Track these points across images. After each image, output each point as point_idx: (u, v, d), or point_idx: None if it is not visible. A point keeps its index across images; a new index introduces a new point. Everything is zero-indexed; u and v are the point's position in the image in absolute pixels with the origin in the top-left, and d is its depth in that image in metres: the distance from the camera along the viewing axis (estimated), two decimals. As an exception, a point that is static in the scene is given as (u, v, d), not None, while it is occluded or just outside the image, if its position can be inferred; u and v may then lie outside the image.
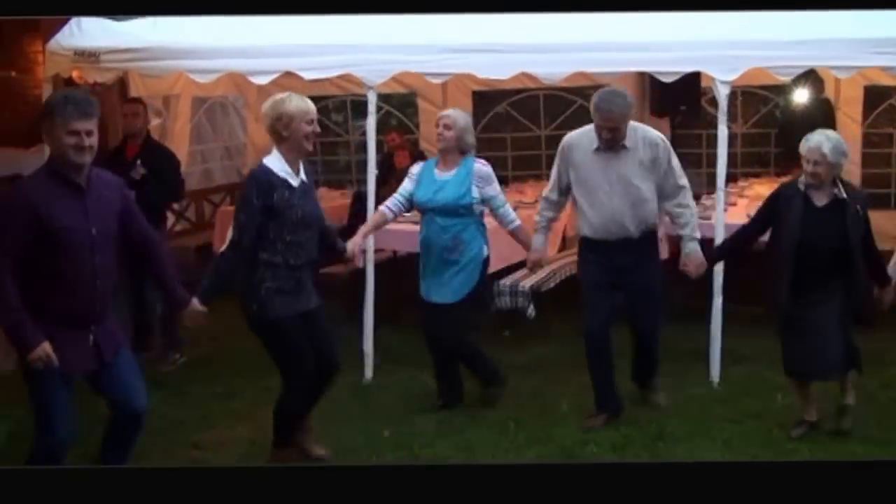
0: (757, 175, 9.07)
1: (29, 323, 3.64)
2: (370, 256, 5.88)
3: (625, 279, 5.10)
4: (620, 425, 5.12)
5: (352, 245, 4.96)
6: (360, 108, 6.06)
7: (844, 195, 4.74)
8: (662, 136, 5.12)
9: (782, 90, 8.85)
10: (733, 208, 7.02)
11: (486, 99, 9.56)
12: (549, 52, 5.78)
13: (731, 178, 7.98)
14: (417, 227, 5.54)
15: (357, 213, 7.00)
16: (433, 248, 5.25)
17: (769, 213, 4.98)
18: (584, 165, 5.06)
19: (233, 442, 5.02)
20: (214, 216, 8.60)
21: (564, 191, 5.21)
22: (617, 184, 5.00)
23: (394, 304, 6.70)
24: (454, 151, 5.26)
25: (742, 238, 5.22)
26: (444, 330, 5.28)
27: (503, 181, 5.48)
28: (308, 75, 6.05)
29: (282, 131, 4.30)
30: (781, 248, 4.83)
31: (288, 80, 6.59)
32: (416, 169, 5.46)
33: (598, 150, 5.01)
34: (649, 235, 5.13)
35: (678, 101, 7.55)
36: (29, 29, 9.17)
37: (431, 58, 5.90)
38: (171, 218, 7.87)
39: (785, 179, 8.64)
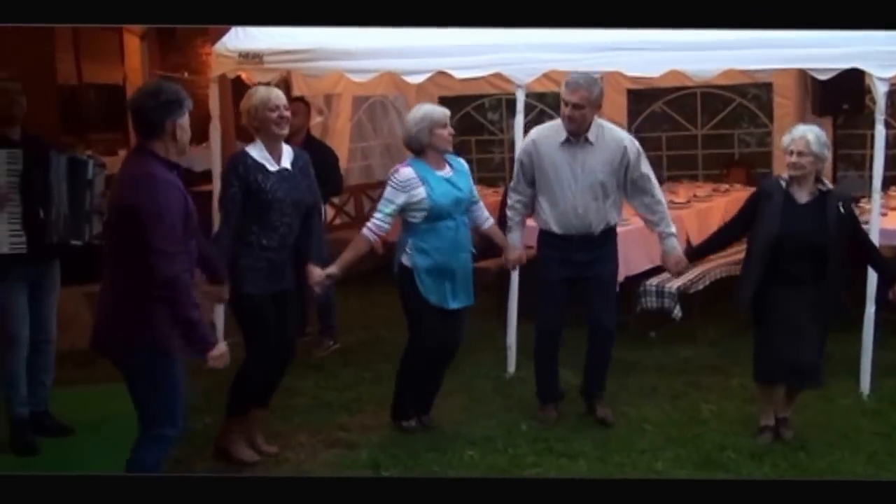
0: (922, 179, 8.62)
1: (204, 321, 3.62)
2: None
3: (583, 274, 5.07)
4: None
5: (319, 273, 4.72)
6: (515, 106, 6.14)
7: (826, 190, 4.67)
8: (631, 136, 5.09)
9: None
10: (894, 213, 6.70)
11: (640, 97, 9.48)
12: (700, 50, 5.68)
13: (894, 182, 7.65)
14: None
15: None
16: (460, 251, 4.90)
17: (751, 210, 4.87)
18: (551, 159, 5.03)
19: (377, 426, 5.21)
20: (373, 211, 8.84)
21: (531, 184, 5.15)
22: (582, 178, 4.96)
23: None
24: None
25: (723, 236, 5.17)
26: (462, 334, 5.11)
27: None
28: (459, 74, 6.22)
29: (252, 122, 4.62)
30: (757, 244, 4.76)
31: (443, 79, 6.80)
32: (407, 175, 4.90)
33: (564, 143, 4.99)
34: (609, 233, 5.09)
35: (841, 99, 7.29)
36: (200, 32, 9.71)
37: (580, 56, 5.88)
38: (331, 212, 8.20)
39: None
